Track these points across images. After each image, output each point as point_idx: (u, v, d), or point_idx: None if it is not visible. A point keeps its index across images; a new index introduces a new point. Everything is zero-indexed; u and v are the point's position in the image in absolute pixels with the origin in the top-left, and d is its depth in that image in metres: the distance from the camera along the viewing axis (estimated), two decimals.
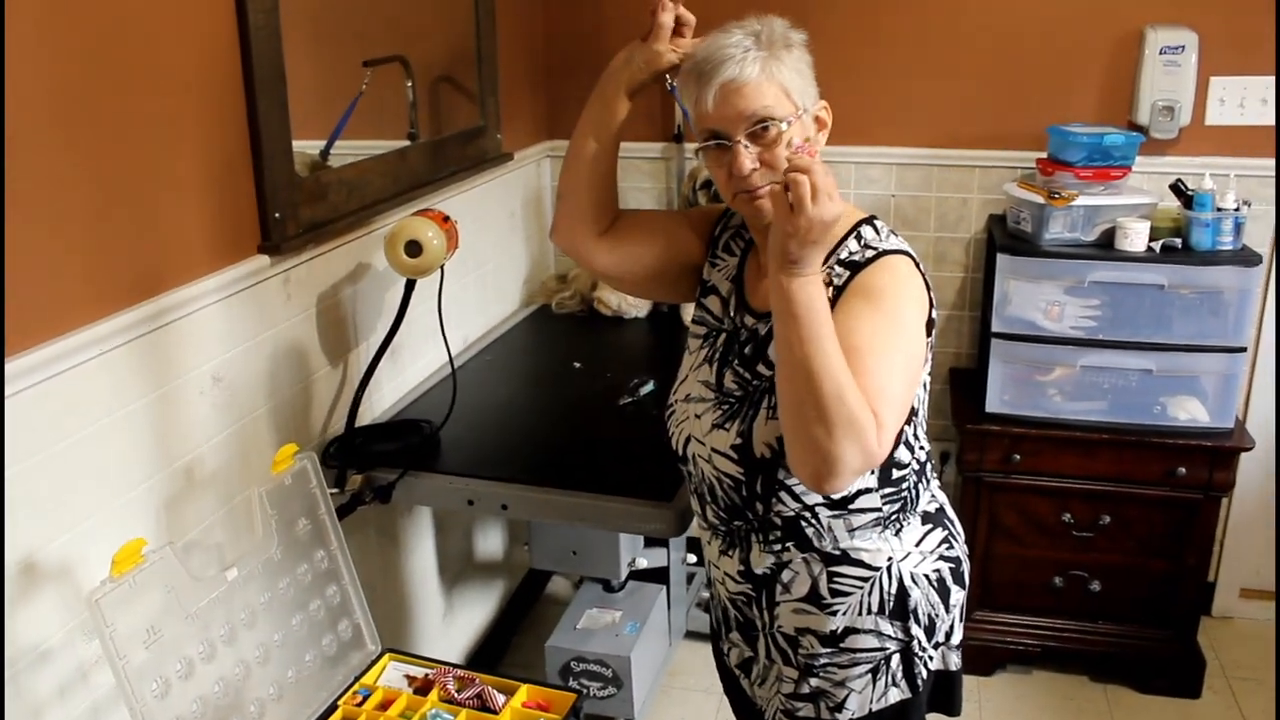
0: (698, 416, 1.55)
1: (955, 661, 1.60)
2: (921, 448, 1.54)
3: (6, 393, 1.38)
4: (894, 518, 1.50)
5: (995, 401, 2.68)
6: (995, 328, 2.64)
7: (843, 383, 1.24)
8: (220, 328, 1.79)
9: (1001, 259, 2.60)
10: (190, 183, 1.71)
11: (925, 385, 1.50)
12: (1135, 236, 2.52)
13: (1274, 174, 2.71)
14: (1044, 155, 2.68)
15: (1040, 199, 2.54)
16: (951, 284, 3.00)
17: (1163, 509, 2.65)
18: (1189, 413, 2.62)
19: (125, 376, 1.59)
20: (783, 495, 1.46)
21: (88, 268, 1.52)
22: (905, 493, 1.50)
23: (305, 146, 2.22)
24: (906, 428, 1.47)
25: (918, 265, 1.45)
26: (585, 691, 2.61)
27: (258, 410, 1.90)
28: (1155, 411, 2.62)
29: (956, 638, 1.59)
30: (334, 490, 1.98)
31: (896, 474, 1.48)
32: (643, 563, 2.61)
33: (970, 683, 2.83)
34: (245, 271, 1.83)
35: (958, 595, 1.57)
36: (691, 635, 2.99)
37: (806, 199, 1.22)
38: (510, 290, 3.02)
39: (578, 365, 2.60)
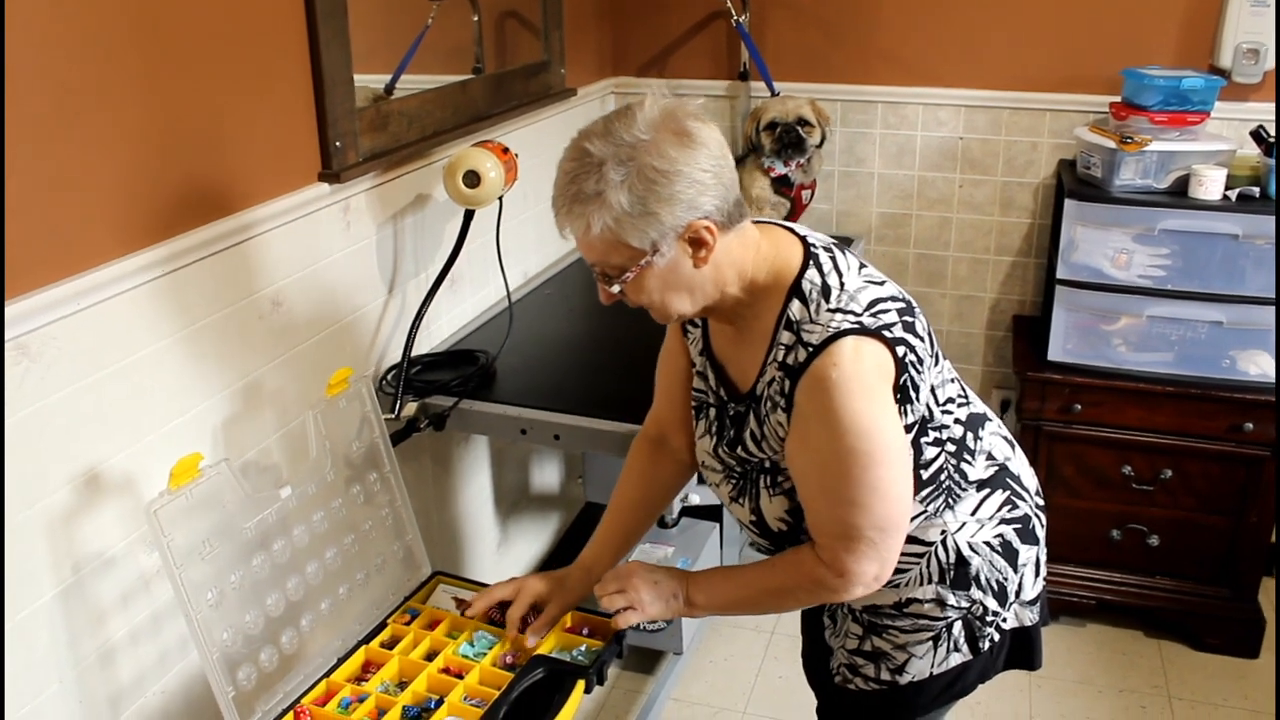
0: (717, 486, 1.55)
1: (1030, 617, 1.56)
2: (951, 427, 1.44)
3: (75, 308, 1.43)
4: (943, 505, 1.45)
5: (1058, 350, 2.64)
6: (1060, 274, 2.59)
7: (779, 591, 1.44)
8: (281, 253, 1.82)
9: (1069, 205, 2.54)
10: (254, 111, 1.73)
11: (942, 366, 1.44)
12: (1211, 184, 2.45)
13: None
14: (1118, 99, 2.60)
15: (1111, 143, 2.47)
16: (1018, 229, 2.94)
17: (1226, 465, 2.60)
18: (1259, 367, 2.55)
19: (187, 297, 1.63)
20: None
21: (153, 191, 1.55)
22: (946, 483, 1.44)
23: (371, 81, 2.25)
24: (931, 421, 1.40)
25: (865, 328, 1.30)
26: (636, 625, 2.65)
27: (316, 335, 1.93)
28: (1224, 365, 2.56)
29: (1030, 593, 1.54)
30: (390, 416, 2.02)
31: (926, 474, 1.41)
32: (695, 499, 2.63)
33: None
34: (306, 198, 1.86)
35: (1028, 553, 1.51)
36: None
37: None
38: None
39: None
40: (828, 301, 1.33)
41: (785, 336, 1.34)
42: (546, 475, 3.02)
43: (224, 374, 1.72)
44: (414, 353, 2.16)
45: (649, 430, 1.70)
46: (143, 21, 1.50)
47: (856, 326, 1.30)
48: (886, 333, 1.31)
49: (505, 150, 2.07)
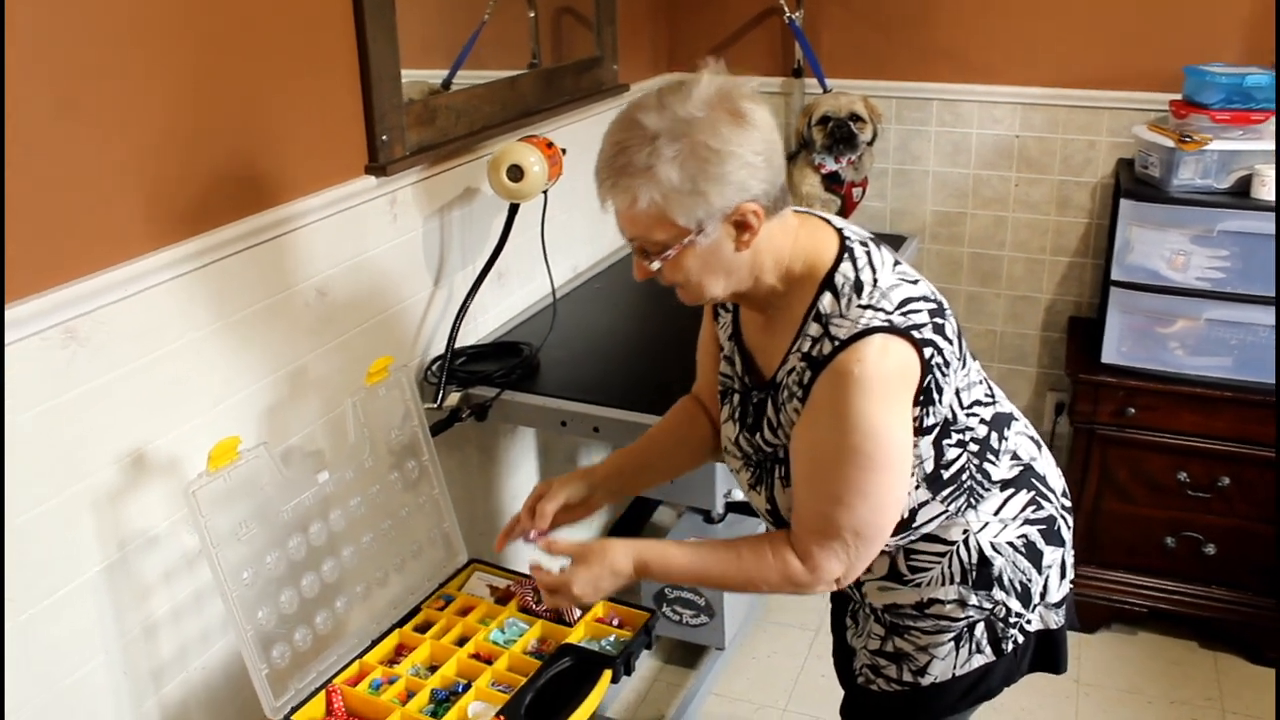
0: (737, 471, 1.55)
1: (1056, 620, 1.53)
2: (975, 428, 1.42)
3: (124, 294, 1.48)
4: (965, 505, 1.44)
5: (1112, 352, 2.59)
6: (1115, 276, 2.54)
7: (741, 576, 1.41)
8: (327, 243, 1.87)
9: (1125, 204, 2.49)
10: (302, 105, 1.77)
11: (970, 368, 1.42)
12: (1273, 185, 2.38)
13: None
14: (1178, 97, 2.55)
15: (1170, 142, 2.42)
16: (1074, 229, 2.89)
17: None
18: None
19: (234, 285, 1.68)
20: None
21: (203, 181, 1.60)
22: (969, 483, 1.42)
23: (429, 75, 2.29)
24: (954, 424, 1.38)
25: (894, 326, 1.28)
26: (678, 618, 2.67)
27: (361, 325, 1.98)
28: None
29: (1055, 595, 1.51)
30: (432, 406, 2.06)
31: (947, 474, 1.39)
32: (738, 495, 2.64)
33: (1071, 639, 2.74)
34: (352, 190, 1.90)
35: (1053, 555, 1.49)
36: None
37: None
38: None
39: None
40: (859, 297, 1.32)
41: (813, 328, 1.34)
42: None
43: (268, 361, 1.77)
44: (460, 344, 2.19)
45: (694, 395, 1.71)
46: (196, 16, 1.55)
47: (886, 325, 1.29)
48: (915, 333, 1.30)
49: (550, 145, 2.10)
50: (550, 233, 2.32)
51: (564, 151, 2.21)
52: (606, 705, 2.58)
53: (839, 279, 1.34)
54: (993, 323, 3.05)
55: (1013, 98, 2.84)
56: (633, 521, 3.27)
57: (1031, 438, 1.55)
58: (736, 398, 1.51)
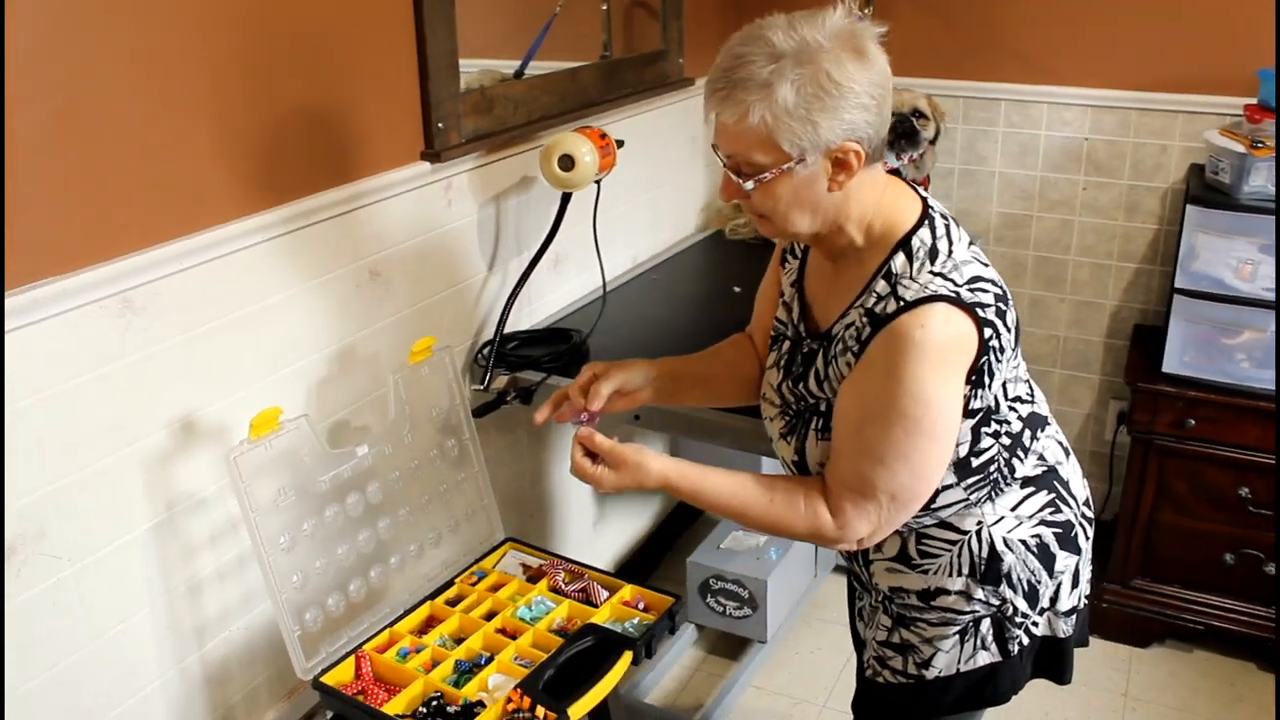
0: (770, 420, 1.56)
1: (1064, 629, 1.53)
2: (1012, 423, 1.42)
3: (178, 267, 1.56)
4: (985, 496, 1.44)
5: (1174, 362, 2.53)
6: (1178, 283, 2.48)
7: (769, 518, 1.41)
8: (381, 225, 1.93)
9: (1191, 210, 2.44)
10: (361, 93, 1.84)
11: (1019, 362, 1.42)
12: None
13: None
14: (1254, 101, 2.48)
15: (1240, 148, 2.36)
16: (1143, 235, 2.83)
17: None
18: None
19: (288, 263, 1.74)
20: None
21: (260, 162, 1.67)
22: (994, 474, 1.42)
23: (503, 65, 2.35)
24: (995, 413, 1.39)
25: (961, 300, 1.29)
26: (722, 610, 2.69)
27: (413, 306, 2.03)
28: None
29: (1066, 604, 1.51)
30: (479, 388, 2.11)
31: (976, 462, 1.40)
32: None
33: (1122, 652, 2.73)
34: (407, 175, 1.96)
35: (1066, 561, 1.49)
36: (841, 569, 3.00)
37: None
38: (686, 214, 3.07)
39: (738, 289, 2.63)
40: (932, 264, 1.33)
41: (880, 285, 1.34)
42: None
43: (319, 337, 1.83)
44: (514, 329, 2.24)
45: (747, 333, 1.73)
46: (273, 13, 1.62)
47: (953, 296, 1.30)
48: (979, 311, 1.30)
49: (603, 136, 2.13)
50: (611, 222, 2.35)
51: (620, 144, 2.25)
52: (646, 692, 2.62)
53: (915, 243, 1.35)
54: (1056, 328, 3.00)
55: (1084, 99, 2.79)
56: (688, 511, 3.30)
57: (1061, 443, 1.54)
58: (787, 345, 1.53)
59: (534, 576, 1.84)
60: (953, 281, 1.31)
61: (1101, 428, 3.02)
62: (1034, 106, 2.84)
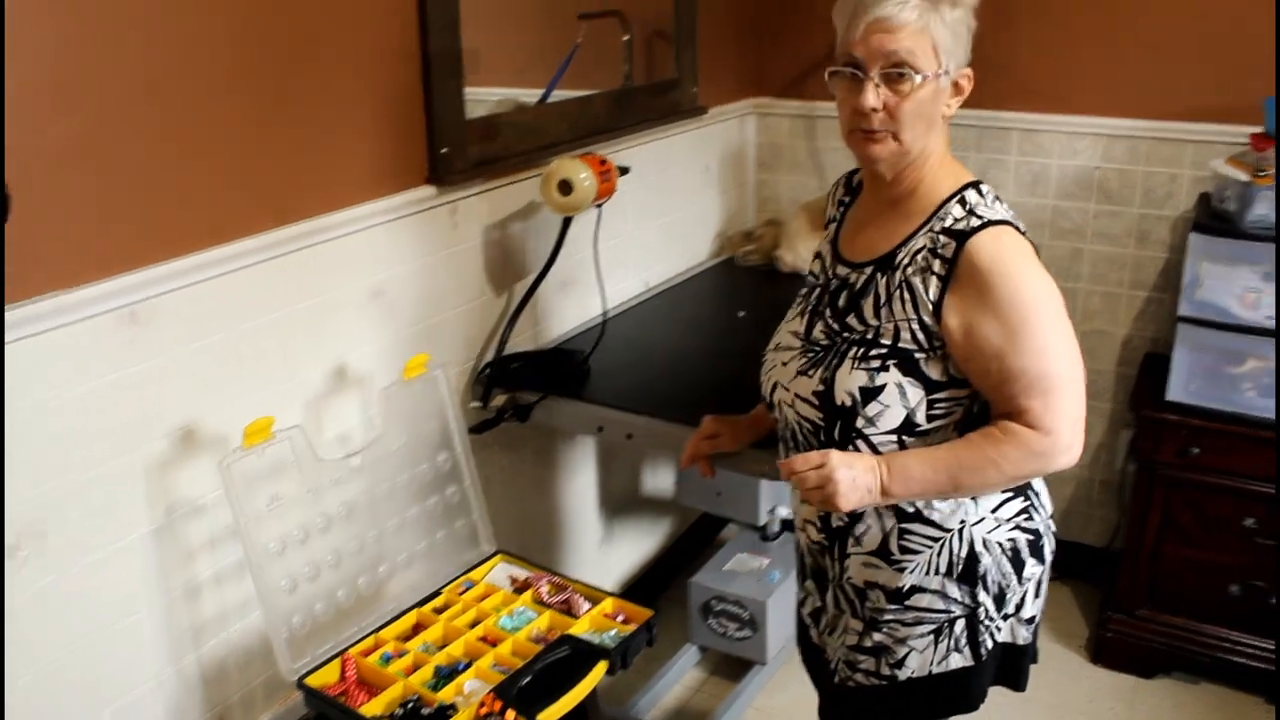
0: (784, 364, 1.60)
1: (1025, 636, 1.58)
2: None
3: (181, 283, 1.64)
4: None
5: (1178, 390, 2.53)
6: (1182, 311, 2.49)
7: (978, 466, 1.42)
8: (385, 247, 2.00)
9: (1194, 238, 2.44)
10: (366, 117, 1.92)
11: None
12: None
13: None
14: (1260, 130, 2.48)
15: (1245, 176, 2.37)
16: (1154, 264, 2.83)
17: None
18: None
19: (291, 281, 1.82)
20: (859, 445, 1.48)
21: (266, 184, 1.75)
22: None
23: (524, 94, 2.43)
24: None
25: (1024, 234, 1.45)
26: (722, 631, 2.72)
27: (415, 326, 2.10)
28: None
29: (1028, 612, 1.57)
30: (478, 405, 2.18)
31: (976, 408, 1.48)
32: (783, 512, 2.68)
33: (1126, 682, 2.72)
34: (412, 199, 2.04)
35: (1033, 569, 1.54)
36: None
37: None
38: (699, 241, 3.12)
39: (742, 314, 2.68)
40: (1001, 205, 1.47)
41: (956, 209, 1.46)
42: (661, 480, 3.12)
43: (319, 353, 1.90)
44: (521, 349, 2.31)
45: None
46: (273, 32, 1.71)
47: (1023, 230, 1.45)
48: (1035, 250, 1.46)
49: (603, 162, 2.19)
50: (623, 246, 2.41)
51: (624, 170, 2.31)
52: (644, 712, 2.65)
53: (971, 195, 1.47)
54: None
55: (1095, 129, 2.80)
56: (701, 535, 3.33)
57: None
58: (818, 292, 1.61)
59: (521, 588, 1.89)
60: (1017, 226, 1.45)
61: (1113, 457, 3.01)
62: (1046, 136, 2.86)
